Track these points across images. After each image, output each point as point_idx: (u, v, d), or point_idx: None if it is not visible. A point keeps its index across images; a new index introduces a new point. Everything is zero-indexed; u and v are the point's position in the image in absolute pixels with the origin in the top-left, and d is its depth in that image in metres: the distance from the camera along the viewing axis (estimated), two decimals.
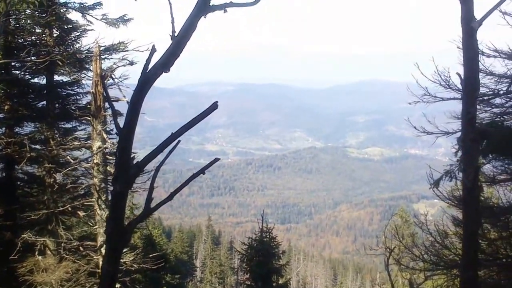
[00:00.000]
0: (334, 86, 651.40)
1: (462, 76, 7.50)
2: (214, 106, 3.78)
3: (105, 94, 15.75)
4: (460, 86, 10.68)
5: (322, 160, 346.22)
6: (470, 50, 7.46)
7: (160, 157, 4.06)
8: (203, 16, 3.63)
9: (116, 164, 3.93)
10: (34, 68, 17.94)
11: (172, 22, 3.68)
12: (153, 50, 3.67)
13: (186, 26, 3.64)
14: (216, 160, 4.28)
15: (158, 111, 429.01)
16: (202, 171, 4.13)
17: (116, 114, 4.10)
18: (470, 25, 7.30)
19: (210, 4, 3.62)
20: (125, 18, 18.69)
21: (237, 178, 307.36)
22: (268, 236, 23.13)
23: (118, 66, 17.44)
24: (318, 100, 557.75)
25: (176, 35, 3.63)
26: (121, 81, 17.27)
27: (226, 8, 3.71)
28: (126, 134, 3.77)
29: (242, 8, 3.77)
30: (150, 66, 3.65)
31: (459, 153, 9.56)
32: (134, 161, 3.86)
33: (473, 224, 7.63)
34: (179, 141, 3.99)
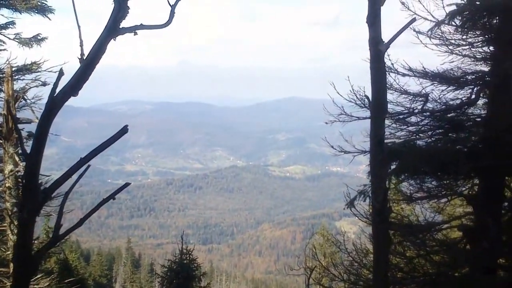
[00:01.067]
0: (255, 104, 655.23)
1: (371, 98, 7.69)
2: (124, 130, 3.74)
3: (15, 117, 15.43)
4: None
5: (244, 179, 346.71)
6: (378, 73, 7.63)
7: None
8: (112, 39, 3.63)
9: (23, 190, 3.89)
10: None
11: (81, 44, 3.65)
12: (61, 74, 3.63)
13: (95, 49, 3.61)
14: (127, 184, 4.26)
15: (75, 131, 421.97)
16: (112, 196, 4.10)
17: (22, 139, 4.04)
18: (377, 48, 7.48)
19: (120, 26, 3.61)
20: (38, 37, 18.34)
21: (157, 199, 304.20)
22: (188, 257, 22.96)
23: (31, 87, 17.09)
24: (239, 118, 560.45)
25: (85, 58, 3.61)
26: (33, 102, 16.93)
27: (136, 31, 3.71)
28: (33, 160, 3.71)
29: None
30: (58, 90, 3.61)
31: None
32: (42, 187, 3.80)
33: (382, 245, 7.79)
34: (89, 166, 3.94)
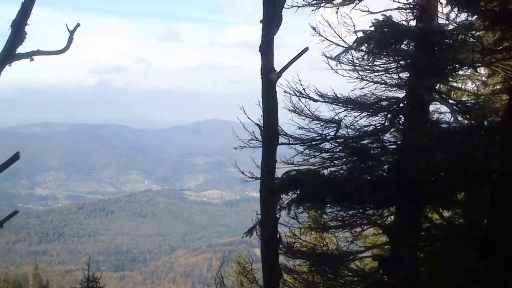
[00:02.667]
0: (173, 127, 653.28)
1: (262, 127, 7.68)
2: (15, 157, 3.68)
3: None
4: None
5: (158, 203, 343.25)
6: (270, 102, 7.69)
7: None
8: (8, 65, 3.55)
9: None
10: None
11: None
12: None
13: None
14: (15, 212, 4.19)
15: None
16: (0, 224, 4.01)
17: None
18: (269, 77, 7.49)
19: (16, 52, 3.63)
20: None
21: (67, 224, 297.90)
22: (95, 285, 22.54)
23: None
24: (156, 141, 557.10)
25: None
26: None
27: (33, 56, 3.69)
28: None
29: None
30: None
31: None
32: None
33: (271, 276, 7.73)
34: None
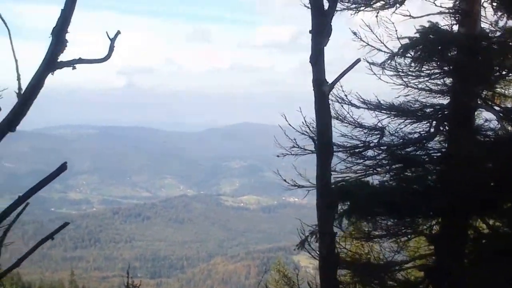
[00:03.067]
0: (206, 130, 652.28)
1: (316, 140, 7.74)
2: (63, 167, 3.77)
3: None
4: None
5: (195, 209, 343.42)
6: (323, 115, 7.73)
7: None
8: (50, 73, 3.67)
9: None
10: None
11: (18, 79, 3.66)
12: None
13: (33, 84, 3.64)
14: (66, 224, 4.31)
15: (17, 156, 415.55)
16: (50, 236, 4.15)
17: None
18: (321, 89, 7.53)
19: (58, 60, 3.65)
20: (17, 73, 18.12)
21: (103, 229, 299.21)
22: None
23: None
24: (189, 145, 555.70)
25: (22, 92, 3.62)
26: None
27: (75, 65, 3.74)
28: None
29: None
30: None
31: None
32: None
33: None
34: (27, 204, 3.95)
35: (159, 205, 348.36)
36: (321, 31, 7.95)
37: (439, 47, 11.27)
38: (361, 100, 12.01)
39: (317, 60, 7.60)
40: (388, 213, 11.29)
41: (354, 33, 11.96)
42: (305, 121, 11.68)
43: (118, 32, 3.98)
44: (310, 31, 8.02)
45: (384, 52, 11.80)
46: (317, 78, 7.56)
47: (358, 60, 8.12)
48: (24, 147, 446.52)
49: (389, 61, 11.57)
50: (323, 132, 7.76)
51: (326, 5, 8.39)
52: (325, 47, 7.98)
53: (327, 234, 7.55)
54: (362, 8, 12.31)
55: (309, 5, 8.51)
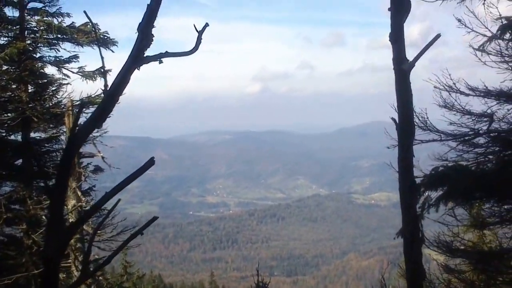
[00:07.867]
0: (336, 130, 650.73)
1: (397, 121, 7.53)
2: (151, 162, 3.74)
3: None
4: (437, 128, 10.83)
5: (327, 208, 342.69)
6: (403, 94, 7.43)
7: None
8: (137, 69, 3.62)
9: (47, 228, 3.83)
10: (8, 125, 18.01)
11: (104, 75, 3.77)
12: (82, 107, 3.76)
13: (119, 79, 3.58)
14: (155, 219, 4.17)
15: (156, 163, 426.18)
16: (140, 231, 4.02)
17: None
18: (401, 67, 7.28)
19: (145, 55, 3.60)
20: (102, 70, 18.76)
21: (240, 230, 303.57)
22: None
23: None
24: (320, 145, 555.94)
25: (108, 89, 3.59)
26: (100, 135, 17.46)
27: (161, 59, 3.68)
28: (57, 197, 3.66)
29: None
30: (80, 123, 3.63)
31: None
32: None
33: (413, 279, 7.61)
34: (119, 200, 4.00)
35: (293, 205, 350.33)
36: (399, 7, 7.68)
37: None
38: (469, 87, 11.69)
39: (397, 38, 7.37)
40: (486, 196, 10.93)
41: (459, 20, 11.65)
42: (414, 111, 11.55)
43: (207, 25, 3.91)
44: (388, 9, 7.77)
45: (488, 37, 11.46)
46: (398, 57, 7.30)
47: (438, 35, 7.77)
48: (162, 154, 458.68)
49: (488, 44, 11.22)
50: (403, 111, 7.52)
51: None
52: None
53: (410, 217, 7.31)
54: None
55: None
